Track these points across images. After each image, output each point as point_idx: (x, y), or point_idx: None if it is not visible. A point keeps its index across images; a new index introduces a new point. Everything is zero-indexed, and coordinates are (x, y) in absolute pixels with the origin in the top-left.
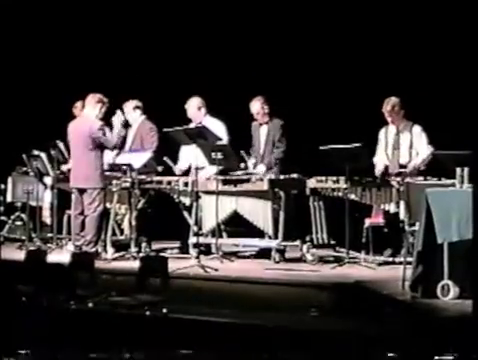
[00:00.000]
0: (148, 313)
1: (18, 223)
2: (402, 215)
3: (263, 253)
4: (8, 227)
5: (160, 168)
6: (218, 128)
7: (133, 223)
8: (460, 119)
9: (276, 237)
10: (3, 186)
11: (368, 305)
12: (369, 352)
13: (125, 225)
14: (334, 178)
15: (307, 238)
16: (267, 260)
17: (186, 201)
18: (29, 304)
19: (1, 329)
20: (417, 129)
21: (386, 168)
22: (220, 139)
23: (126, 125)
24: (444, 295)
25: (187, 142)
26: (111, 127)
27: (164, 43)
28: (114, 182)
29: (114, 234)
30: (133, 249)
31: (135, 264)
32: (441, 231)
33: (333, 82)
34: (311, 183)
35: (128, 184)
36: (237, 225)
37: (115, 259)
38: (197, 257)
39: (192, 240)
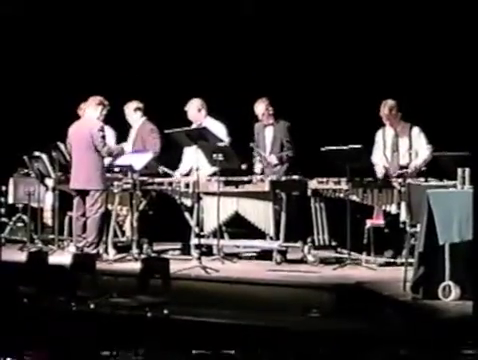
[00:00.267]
0: (149, 314)
1: (19, 225)
2: (403, 216)
3: (264, 254)
4: (9, 229)
5: (161, 170)
6: (218, 129)
7: (134, 224)
8: (460, 119)
9: (277, 238)
10: (4, 188)
11: (369, 306)
12: (370, 353)
13: (126, 226)
14: (335, 179)
15: (308, 239)
16: (268, 261)
17: (187, 202)
18: (30, 306)
19: (2, 330)
20: (416, 130)
21: (386, 170)
22: (221, 140)
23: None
24: (445, 296)
25: (188, 143)
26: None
27: (165, 45)
28: (115, 183)
29: (115, 235)
30: (134, 250)
31: (136, 265)
32: (442, 232)
33: (333, 84)
34: (312, 184)
35: (129, 185)
36: (238, 226)
37: (116, 260)
38: (198, 258)
39: (193, 241)
